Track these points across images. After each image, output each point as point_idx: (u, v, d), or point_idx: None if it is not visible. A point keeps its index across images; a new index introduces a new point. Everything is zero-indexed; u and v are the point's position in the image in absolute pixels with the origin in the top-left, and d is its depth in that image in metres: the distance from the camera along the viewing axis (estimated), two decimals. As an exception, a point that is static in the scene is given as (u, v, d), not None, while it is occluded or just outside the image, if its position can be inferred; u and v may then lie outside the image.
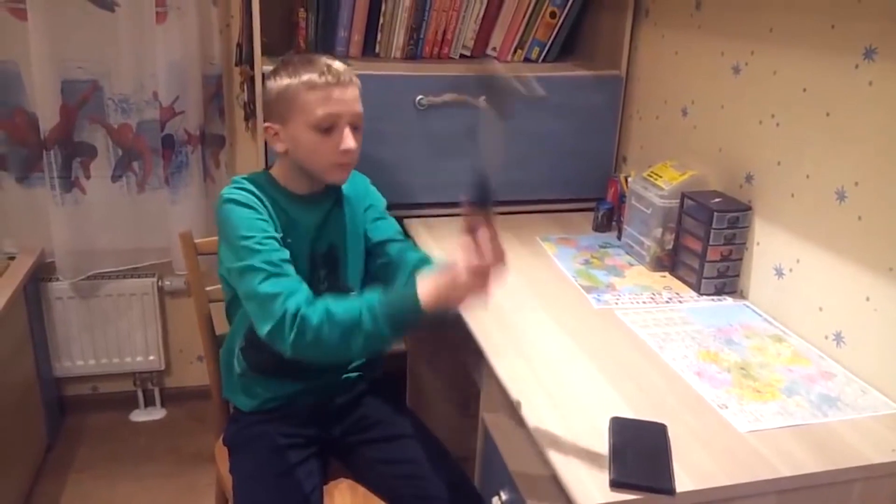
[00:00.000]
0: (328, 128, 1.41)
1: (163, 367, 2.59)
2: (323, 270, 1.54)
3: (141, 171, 2.33)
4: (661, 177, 1.84)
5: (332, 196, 1.56)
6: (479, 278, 1.20)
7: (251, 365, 1.55)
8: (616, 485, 1.04)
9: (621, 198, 2.04)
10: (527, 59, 2.28)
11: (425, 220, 2.08)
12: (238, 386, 1.59)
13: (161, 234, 2.37)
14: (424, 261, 1.51)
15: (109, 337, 2.50)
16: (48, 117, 2.17)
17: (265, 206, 1.44)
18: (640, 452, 1.09)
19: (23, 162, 2.26)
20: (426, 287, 1.25)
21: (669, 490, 1.04)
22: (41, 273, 2.38)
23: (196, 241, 1.71)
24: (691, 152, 1.90)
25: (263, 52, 1.95)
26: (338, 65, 1.43)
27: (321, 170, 1.46)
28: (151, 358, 2.55)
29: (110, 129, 2.28)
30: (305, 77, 1.40)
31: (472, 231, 1.18)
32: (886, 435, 1.21)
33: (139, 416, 2.62)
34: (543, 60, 2.28)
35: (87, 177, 2.29)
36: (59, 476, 2.32)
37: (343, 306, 1.30)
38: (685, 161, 1.88)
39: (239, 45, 2.21)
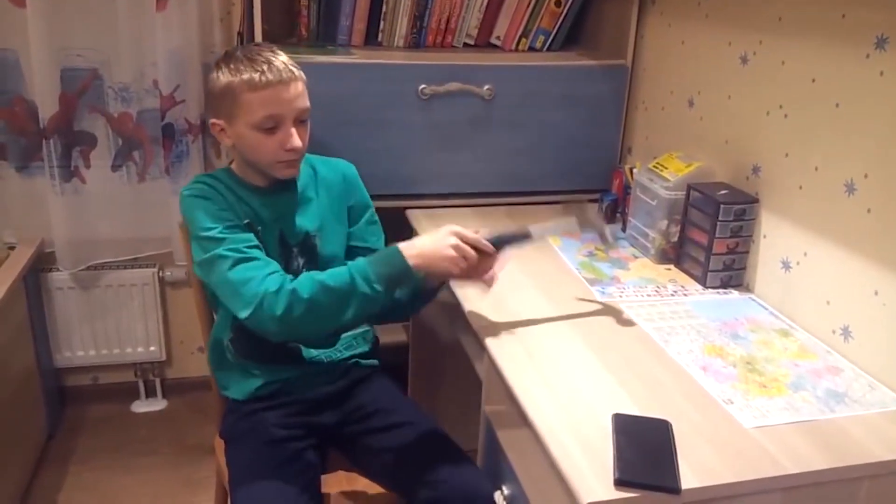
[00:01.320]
0: (272, 127, 1.41)
1: (164, 358, 2.58)
2: (301, 259, 1.54)
3: (141, 161, 2.32)
4: (666, 168, 1.81)
5: (292, 185, 1.55)
6: (462, 259, 1.32)
7: (242, 353, 1.55)
8: (621, 483, 1.02)
9: (626, 189, 2.01)
10: (531, 48, 2.25)
11: (427, 210, 2.06)
12: (230, 376, 1.59)
13: (161, 225, 2.35)
14: None
15: (110, 327, 2.49)
16: (47, 106, 2.15)
17: (225, 199, 1.45)
18: (644, 450, 1.07)
19: (22, 151, 2.25)
20: (407, 246, 1.34)
21: (675, 489, 1.02)
22: (41, 263, 2.37)
23: (196, 231, 1.69)
24: (697, 143, 1.88)
25: (265, 40, 1.93)
26: (280, 61, 1.41)
27: (267, 166, 1.47)
28: (152, 349, 2.54)
29: (110, 118, 2.26)
30: (246, 76, 1.38)
31: (475, 240, 1.35)
32: (894, 431, 1.19)
33: (140, 406, 2.62)
34: (548, 49, 2.26)
35: (87, 166, 2.28)
36: (60, 467, 2.31)
37: (330, 274, 1.33)
38: (691, 152, 1.86)
39: (240, 34, 2.18)
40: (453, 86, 2.01)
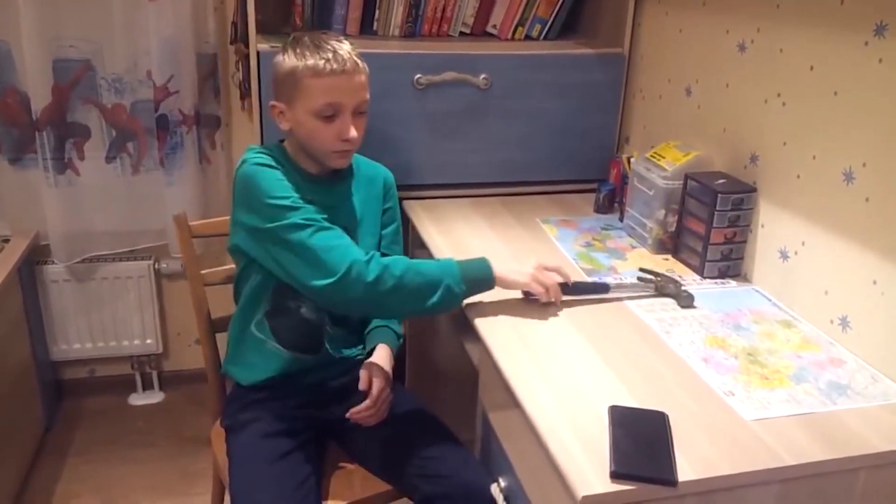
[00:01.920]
0: (330, 115, 1.42)
1: (160, 351, 2.57)
2: None
3: (135, 153, 2.30)
4: (664, 157, 1.80)
5: (343, 177, 1.57)
6: (540, 281, 1.45)
7: (274, 330, 1.53)
8: (616, 476, 1.02)
9: (623, 179, 2.00)
10: (528, 37, 2.23)
11: (424, 201, 2.05)
12: (246, 359, 1.56)
13: (157, 217, 2.34)
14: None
15: (106, 320, 2.48)
16: (40, 97, 2.13)
17: (288, 174, 1.45)
18: (640, 442, 1.07)
19: (15, 143, 2.23)
20: (494, 263, 1.44)
21: (671, 481, 1.02)
22: (36, 256, 2.35)
23: (191, 223, 1.68)
24: (695, 132, 1.87)
25: (259, 30, 1.91)
26: (345, 50, 1.43)
27: (321, 154, 1.48)
28: (149, 341, 2.53)
29: (104, 110, 2.24)
30: (311, 62, 1.39)
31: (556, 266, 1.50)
32: (895, 423, 1.18)
33: (137, 399, 2.61)
34: (545, 38, 2.24)
35: (81, 158, 2.26)
36: (57, 459, 2.31)
37: (420, 262, 1.40)
38: (689, 141, 1.85)
39: (234, 23, 2.17)
40: (449, 75, 2.00)
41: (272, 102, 1.48)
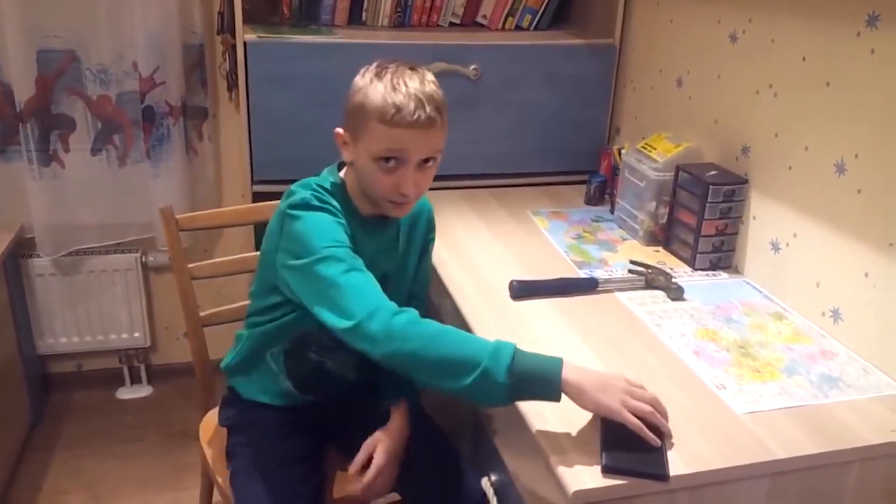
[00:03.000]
0: (392, 164, 1.25)
1: (148, 344, 2.54)
2: None
3: (122, 145, 2.27)
4: (655, 149, 1.79)
5: (394, 224, 1.42)
6: (629, 398, 1.09)
7: (290, 371, 1.43)
8: (608, 470, 1.01)
9: (614, 170, 1.99)
10: (518, 28, 2.22)
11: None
12: (249, 378, 1.49)
13: (143, 209, 2.31)
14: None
15: (93, 314, 2.45)
16: (23, 89, 2.10)
17: (342, 217, 1.31)
18: (631, 437, 1.05)
19: (-1, 135, 2.20)
20: (572, 364, 1.11)
21: (663, 476, 1.01)
22: (21, 249, 2.32)
23: (178, 216, 1.65)
24: (686, 123, 1.86)
25: (245, 20, 1.89)
26: (426, 94, 1.23)
27: (378, 202, 1.32)
28: (137, 335, 2.51)
29: (89, 101, 2.21)
30: (381, 103, 1.22)
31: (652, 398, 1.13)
32: (886, 416, 1.18)
33: (125, 393, 2.59)
34: (535, 28, 2.22)
35: (66, 150, 2.23)
36: (45, 454, 2.29)
37: (466, 335, 1.18)
38: (680, 132, 1.84)
39: (220, 13, 2.14)
40: (438, 66, 1.98)
41: (338, 130, 1.32)
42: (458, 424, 1.54)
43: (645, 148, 1.82)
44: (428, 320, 1.17)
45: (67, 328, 2.45)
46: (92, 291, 2.43)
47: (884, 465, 1.15)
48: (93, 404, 2.53)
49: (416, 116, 1.21)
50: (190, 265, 1.66)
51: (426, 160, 1.27)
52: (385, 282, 1.38)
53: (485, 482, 1.35)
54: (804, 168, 1.48)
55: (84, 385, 2.57)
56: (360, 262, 1.24)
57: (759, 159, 1.61)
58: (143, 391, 2.61)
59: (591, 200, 2.05)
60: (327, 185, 1.33)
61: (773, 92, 1.56)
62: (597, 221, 1.93)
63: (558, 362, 1.10)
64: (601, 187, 2.04)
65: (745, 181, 1.63)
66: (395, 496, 1.44)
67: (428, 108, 1.22)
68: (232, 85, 2.23)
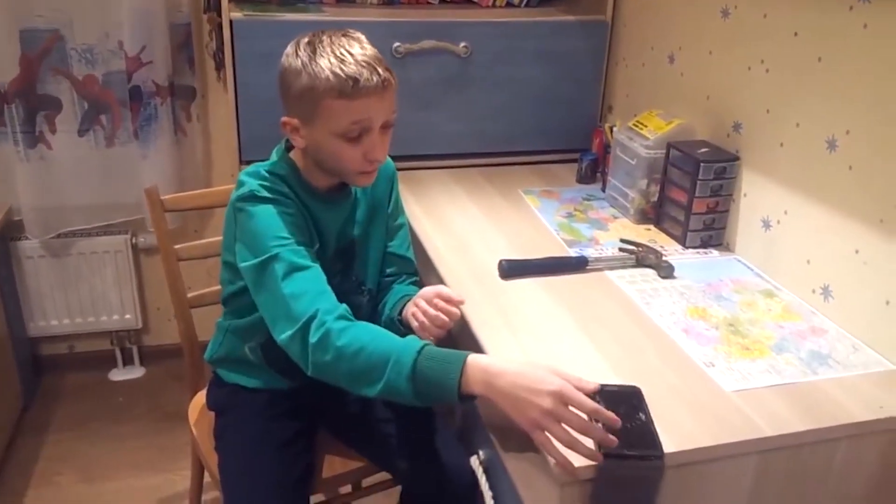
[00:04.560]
0: (356, 136, 1.24)
1: (140, 326, 2.54)
2: (339, 264, 1.41)
3: (109, 125, 2.25)
4: (646, 126, 1.77)
5: (352, 190, 1.41)
6: (554, 422, 0.99)
7: (269, 360, 1.42)
8: (606, 457, 1.00)
9: (606, 148, 1.98)
10: (509, 4, 2.19)
11: (403, 173, 2.00)
12: (230, 366, 1.48)
13: (132, 190, 2.29)
14: (406, 296, 1.42)
15: (84, 296, 2.44)
16: (7, 69, 2.08)
17: (296, 207, 1.29)
18: (621, 419, 1.05)
19: (-17, 116, 2.17)
20: (480, 367, 1.06)
21: (659, 455, 1.00)
22: (9, 232, 2.31)
23: (164, 197, 1.64)
24: (678, 100, 1.84)
25: (231, -1, 1.86)
26: (371, 57, 1.21)
27: (345, 176, 1.31)
28: (128, 316, 2.50)
29: (75, 81, 2.18)
30: (333, 81, 1.18)
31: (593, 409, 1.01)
32: (875, 392, 1.18)
33: (117, 375, 2.59)
34: (526, 5, 2.20)
35: (53, 131, 2.21)
36: (37, 437, 2.29)
37: (384, 336, 1.15)
38: (672, 109, 1.82)
39: (207, -10, 2.11)
40: (428, 43, 1.95)
41: (283, 119, 1.28)
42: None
43: (636, 125, 1.80)
44: (349, 325, 1.15)
45: (58, 310, 2.44)
46: (82, 273, 2.41)
47: (872, 443, 1.15)
48: (85, 386, 2.52)
49: (374, 83, 1.19)
50: (177, 246, 1.65)
51: (386, 124, 1.27)
52: (352, 249, 1.41)
53: (474, 460, 1.35)
54: (795, 145, 1.47)
55: (76, 367, 2.57)
56: (303, 257, 1.23)
57: (751, 136, 1.59)
58: (136, 372, 2.60)
59: (583, 179, 2.03)
60: (278, 170, 1.31)
61: (764, 68, 1.54)
62: (588, 200, 1.92)
63: (455, 375, 1.06)
64: (593, 165, 2.03)
65: (737, 158, 1.62)
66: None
67: (381, 71, 1.21)
68: (219, 64, 2.21)
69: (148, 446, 2.26)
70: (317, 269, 1.23)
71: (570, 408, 1.00)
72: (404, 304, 1.39)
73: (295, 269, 1.21)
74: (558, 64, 2.08)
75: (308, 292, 1.19)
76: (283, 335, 1.18)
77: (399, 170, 2.00)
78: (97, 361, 2.58)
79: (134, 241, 2.43)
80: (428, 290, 1.33)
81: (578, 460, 1.00)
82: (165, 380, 2.57)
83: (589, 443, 1.00)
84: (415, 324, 1.33)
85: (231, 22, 1.84)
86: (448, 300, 1.30)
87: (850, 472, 1.15)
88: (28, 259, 2.35)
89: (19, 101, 2.12)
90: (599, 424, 1.00)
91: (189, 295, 1.68)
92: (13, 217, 2.27)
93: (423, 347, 1.11)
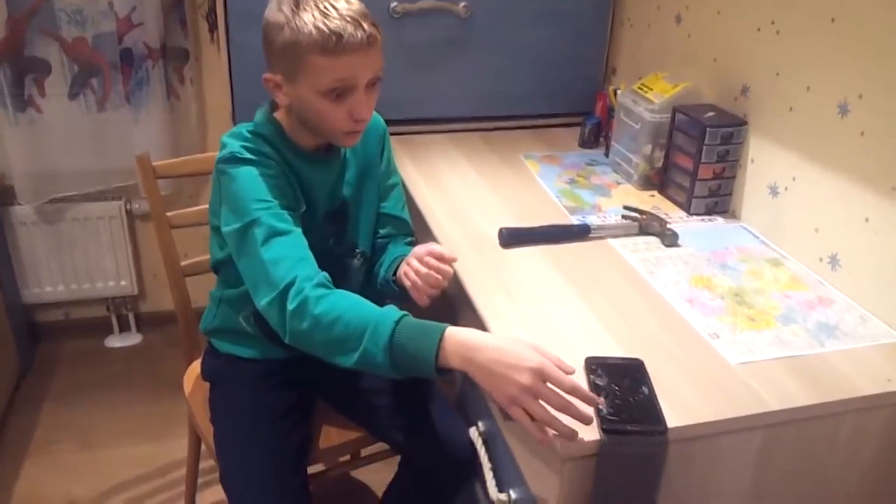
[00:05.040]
0: (340, 94, 1.19)
1: (136, 292, 2.51)
2: (332, 227, 1.38)
3: (100, 89, 2.20)
4: (651, 89, 1.73)
5: (340, 150, 1.36)
6: (532, 399, 0.97)
7: (263, 331, 1.37)
8: (608, 432, 0.97)
9: (610, 112, 1.93)
10: (510, -38, 2.12)
11: (401, 137, 1.97)
12: (225, 336, 1.46)
13: (125, 155, 2.24)
14: (400, 256, 1.38)
15: (78, 262, 2.41)
16: (-7, 30, 2.02)
17: (279, 168, 1.25)
18: (622, 393, 1.02)
19: (-30, 80, 2.12)
20: (459, 341, 1.04)
21: (662, 430, 0.98)
22: (2, 198, 2.27)
23: (156, 163, 1.60)
24: (685, 63, 1.78)
25: (222, -44, 1.79)
26: (357, 11, 1.16)
27: (329, 135, 1.27)
28: (123, 283, 2.47)
29: (64, 43, 2.12)
30: (317, 35, 1.13)
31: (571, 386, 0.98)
32: (883, 365, 1.15)
33: (114, 341, 2.57)
34: (528, -37, 2.12)
35: (42, 95, 2.16)
36: (34, 405, 2.28)
37: (362, 305, 1.12)
38: (678, 72, 1.77)
39: (198, -51, 2.04)
40: (427, 3, 1.90)
41: (266, 75, 1.23)
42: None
43: (641, 89, 1.75)
44: (328, 293, 1.12)
45: (53, 277, 2.41)
46: (77, 239, 2.38)
47: (879, 416, 1.12)
48: (82, 353, 2.51)
49: (358, 39, 1.15)
50: (169, 213, 1.61)
51: (372, 81, 1.21)
52: (344, 211, 1.37)
53: (473, 432, 1.33)
54: (805, 109, 1.42)
55: (72, 334, 2.55)
56: (284, 221, 1.19)
57: (759, 100, 1.55)
58: (133, 339, 2.59)
59: (586, 143, 1.99)
60: (261, 130, 1.27)
61: (774, 29, 1.49)
62: (591, 165, 1.87)
63: (432, 348, 1.03)
64: (596, 130, 1.98)
65: (744, 123, 1.57)
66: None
67: (366, 27, 1.17)
68: (212, 26, 2.15)
69: (145, 414, 2.25)
70: (297, 234, 1.20)
71: (549, 385, 0.98)
72: (399, 265, 1.36)
73: (275, 233, 1.18)
74: (561, 25, 2.02)
75: (288, 258, 1.16)
76: (262, 301, 1.16)
77: (397, 134, 1.97)
78: (93, 328, 2.57)
79: (128, 206, 2.40)
80: (420, 249, 1.30)
81: (583, 436, 0.97)
82: (162, 347, 2.55)
83: (567, 420, 0.97)
84: (407, 283, 1.30)
85: None
86: (440, 258, 1.27)
87: (858, 447, 1.13)
88: (21, 225, 2.32)
89: (7, 64, 2.06)
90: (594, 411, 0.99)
91: (183, 263, 1.65)
92: (4, 182, 2.24)
93: (401, 318, 1.08)
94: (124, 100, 2.18)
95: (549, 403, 0.97)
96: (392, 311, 1.09)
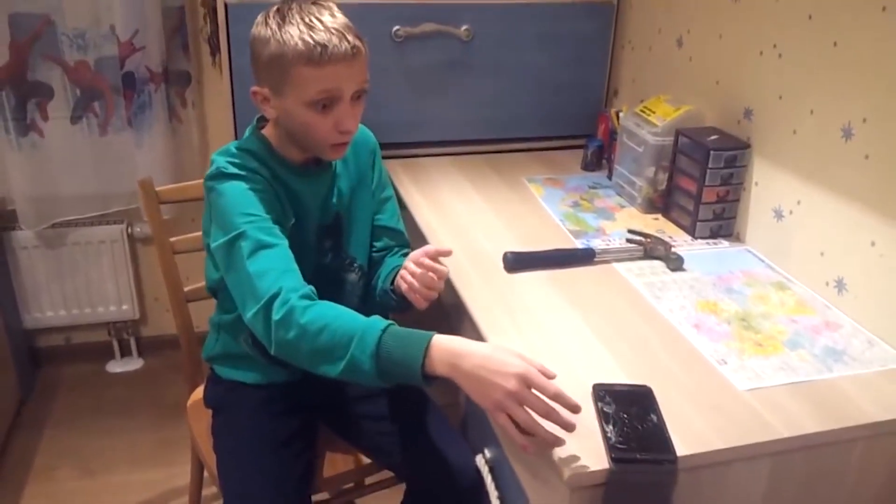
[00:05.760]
0: (326, 105, 1.21)
1: (137, 316, 2.50)
2: (328, 241, 1.39)
3: (102, 112, 2.20)
4: (654, 112, 1.73)
5: (330, 163, 1.38)
6: (516, 405, 0.98)
7: (264, 352, 1.32)
8: (617, 461, 0.96)
9: (612, 135, 1.93)
10: (511, -14, 2.13)
11: (404, 160, 1.97)
12: (228, 361, 1.45)
13: (127, 179, 2.25)
14: (398, 267, 1.38)
15: (80, 286, 2.40)
16: (-4, 55, 2.03)
17: (267, 182, 1.26)
18: (631, 421, 1.01)
19: (-27, 104, 2.12)
20: (446, 348, 1.03)
21: (672, 459, 0.97)
22: (3, 222, 2.27)
23: (159, 188, 1.59)
24: (687, 86, 1.79)
25: (225, -19, 1.80)
26: (341, 24, 1.19)
27: (316, 148, 1.28)
28: (125, 307, 2.46)
29: (66, 67, 2.13)
30: (301, 47, 1.16)
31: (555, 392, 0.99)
32: (892, 390, 1.14)
33: (115, 366, 2.55)
34: (529, -13, 2.14)
35: (45, 119, 2.16)
36: (35, 430, 2.26)
37: (348, 315, 1.11)
38: (680, 95, 1.77)
39: (200, -26, 2.06)
40: (429, 27, 1.90)
41: (254, 88, 1.25)
42: (449, 395, 1.50)
43: (644, 111, 1.75)
44: (313, 304, 1.12)
45: (54, 301, 2.41)
46: (78, 264, 2.38)
47: (889, 443, 1.11)
48: (83, 378, 2.50)
49: (343, 50, 1.17)
50: (172, 238, 1.61)
51: (357, 94, 1.24)
52: (339, 225, 1.38)
53: (479, 459, 1.32)
54: (809, 132, 1.42)
55: (73, 359, 2.54)
56: (271, 234, 1.20)
57: (763, 123, 1.55)
58: (134, 364, 2.57)
59: (588, 166, 1.99)
60: (248, 145, 1.29)
61: (777, 52, 1.49)
62: (594, 188, 1.87)
63: (419, 355, 1.03)
64: (598, 152, 1.98)
65: (748, 146, 1.57)
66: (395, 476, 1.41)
67: (350, 38, 1.19)
68: (214, 49, 2.16)
69: (147, 439, 2.24)
70: (283, 246, 1.21)
71: (534, 391, 0.98)
72: (396, 274, 1.36)
73: (261, 246, 1.18)
74: (563, 47, 2.03)
75: (273, 270, 1.16)
76: (248, 313, 1.16)
77: (400, 157, 1.98)
78: (95, 353, 2.55)
79: (130, 230, 2.39)
80: (415, 252, 1.31)
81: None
82: (164, 371, 2.54)
83: (552, 427, 0.97)
84: (404, 286, 1.30)
85: (226, 5, 1.79)
86: (434, 256, 1.27)
87: (868, 475, 1.12)
88: (23, 249, 2.31)
89: (10, 89, 2.07)
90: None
91: (186, 288, 1.64)
92: (6, 207, 2.24)
93: (388, 326, 1.08)
94: (126, 123, 2.19)
95: (533, 409, 0.98)
96: (379, 321, 1.10)
